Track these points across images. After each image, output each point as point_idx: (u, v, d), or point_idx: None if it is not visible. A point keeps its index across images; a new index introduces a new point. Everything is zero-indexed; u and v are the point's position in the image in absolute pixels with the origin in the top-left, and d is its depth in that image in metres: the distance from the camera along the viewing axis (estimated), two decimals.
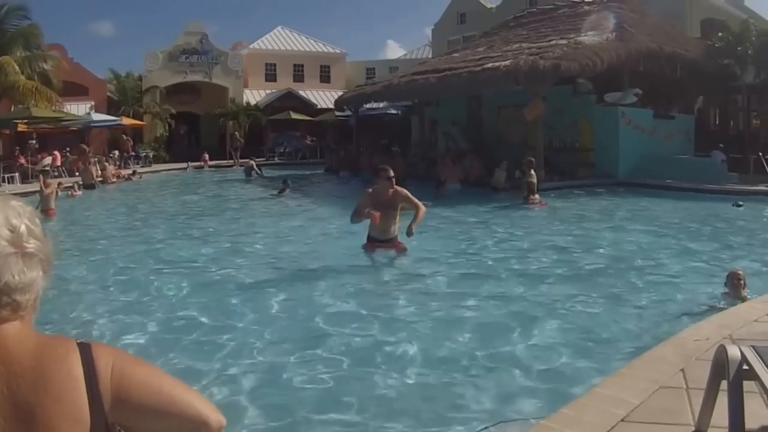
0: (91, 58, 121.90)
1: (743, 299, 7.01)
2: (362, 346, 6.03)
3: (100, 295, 8.20)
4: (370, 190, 9.20)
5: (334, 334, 6.30)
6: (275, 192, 20.48)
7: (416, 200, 9.13)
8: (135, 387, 1.29)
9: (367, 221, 9.10)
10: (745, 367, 2.97)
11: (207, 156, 36.71)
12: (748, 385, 2.94)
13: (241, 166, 33.66)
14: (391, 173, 9.12)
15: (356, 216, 8.97)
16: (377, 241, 9.33)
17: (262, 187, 24.03)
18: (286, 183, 20.49)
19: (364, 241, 9.50)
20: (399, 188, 9.17)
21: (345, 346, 5.97)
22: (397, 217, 9.25)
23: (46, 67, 30.31)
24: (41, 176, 18.19)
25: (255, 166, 30.16)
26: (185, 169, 34.82)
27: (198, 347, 6.07)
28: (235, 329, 6.55)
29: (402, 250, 9.45)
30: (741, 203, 16.16)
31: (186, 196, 22.35)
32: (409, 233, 8.86)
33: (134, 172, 29.61)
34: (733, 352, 3.04)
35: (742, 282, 7.17)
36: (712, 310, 6.74)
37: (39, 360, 1.23)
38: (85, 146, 30.37)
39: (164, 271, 9.50)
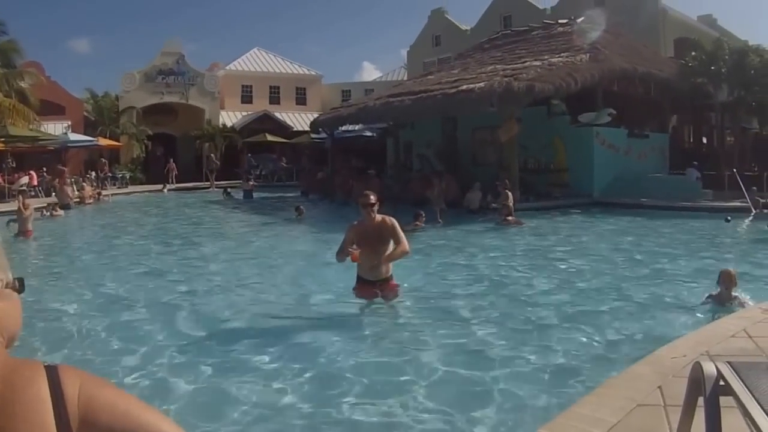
0: (67, 77, 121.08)
1: (732, 299, 7.25)
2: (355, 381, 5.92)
3: (75, 319, 8.02)
4: (356, 222, 7.83)
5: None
6: (292, 216, 19.95)
7: (403, 237, 7.70)
8: (102, 410, 1.25)
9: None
10: (722, 383, 2.96)
11: (173, 164, 36.84)
12: (725, 400, 2.93)
13: (217, 188, 33.49)
14: (373, 199, 7.71)
15: (340, 255, 7.65)
16: (368, 282, 7.95)
17: (262, 212, 23.68)
18: (299, 209, 20.08)
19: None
20: (387, 218, 7.79)
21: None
22: (389, 251, 7.70)
23: (23, 84, 29.89)
24: (20, 197, 17.83)
25: (253, 188, 30.30)
26: (161, 190, 34.53)
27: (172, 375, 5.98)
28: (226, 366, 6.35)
29: (395, 293, 8.17)
30: (729, 218, 16.66)
31: (168, 219, 22.04)
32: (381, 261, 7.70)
33: (100, 193, 28.90)
34: (709, 368, 3.03)
35: (733, 281, 7.47)
36: (693, 323, 6.85)
37: (6, 382, 1.19)
38: (62, 167, 30.01)
39: (143, 298, 9.39)
